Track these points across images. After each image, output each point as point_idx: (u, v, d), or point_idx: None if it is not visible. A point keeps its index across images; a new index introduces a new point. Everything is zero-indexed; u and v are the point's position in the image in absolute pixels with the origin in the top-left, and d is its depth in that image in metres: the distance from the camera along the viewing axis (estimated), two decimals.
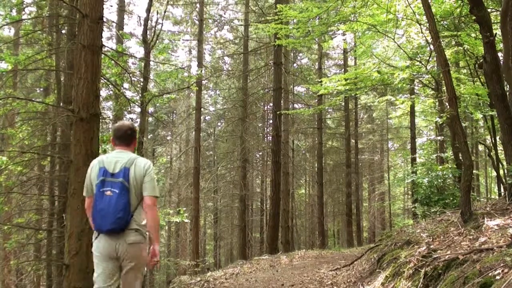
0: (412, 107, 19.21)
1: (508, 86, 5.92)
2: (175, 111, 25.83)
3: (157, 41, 9.58)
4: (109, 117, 15.50)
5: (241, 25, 19.87)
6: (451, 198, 8.21)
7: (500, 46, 6.84)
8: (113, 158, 3.00)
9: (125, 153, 3.06)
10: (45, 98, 10.97)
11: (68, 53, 7.87)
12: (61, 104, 8.78)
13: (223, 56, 22.31)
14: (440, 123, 8.61)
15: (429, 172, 9.23)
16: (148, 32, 8.78)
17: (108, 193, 2.85)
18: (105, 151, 8.50)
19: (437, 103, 11.55)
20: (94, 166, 3.03)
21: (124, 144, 3.11)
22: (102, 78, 6.43)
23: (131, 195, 2.91)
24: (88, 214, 3.09)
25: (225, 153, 21.67)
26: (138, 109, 13.73)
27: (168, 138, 26.58)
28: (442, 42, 6.60)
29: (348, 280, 5.63)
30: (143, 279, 3.13)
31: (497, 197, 12.63)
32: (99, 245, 2.94)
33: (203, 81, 18.83)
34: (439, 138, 13.27)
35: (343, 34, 11.12)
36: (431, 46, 6.71)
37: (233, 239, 25.66)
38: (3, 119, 11.25)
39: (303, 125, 22.82)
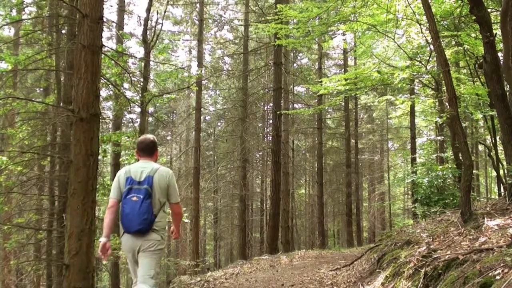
0: (412, 107, 19.21)
1: (508, 86, 5.92)
2: (175, 111, 25.83)
3: (157, 41, 9.58)
4: (109, 117, 15.51)
5: (241, 25, 19.87)
6: (451, 198, 8.21)
7: (500, 46, 6.85)
8: (139, 168, 3.39)
9: (149, 163, 3.44)
10: (45, 98, 10.97)
11: (68, 53, 7.87)
12: (61, 104, 8.78)
13: (223, 56, 22.31)
14: (440, 123, 8.61)
15: (429, 172, 9.23)
16: (148, 32, 8.79)
17: (134, 198, 3.24)
18: (105, 151, 8.51)
19: (437, 103, 11.55)
20: (121, 176, 3.40)
21: (147, 156, 3.51)
22: (102, 78, 6.43)
23: (154, 200, 3.31)
24: (107, 212, 3.38)
25: (225, 153, 21.68)
26: (138, 109, 13.73)
27: (168, 138, 26.59)
28: (442, 42, 6.60)
29: (348, 280, 5.63)
30: (158, 271, 3.48)
31: (497, 197, 12.63)
32: (126, 243, 3.36)
33: (203, 81, 18.83)
34: (439, 138, 13.27)
35: (343, 34, 11.12)
36: (431, 46, 6.72)
37: (233, 239, 25.66)
38: (3, 119, 11.26)
39: (303, 125, 22.83)
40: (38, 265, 9.21)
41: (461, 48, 8.86)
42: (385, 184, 27.87)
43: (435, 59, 7.83)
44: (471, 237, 3.93)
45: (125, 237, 3.34)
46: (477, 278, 2.79)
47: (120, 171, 3.48)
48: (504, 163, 6.24)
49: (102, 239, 3.32)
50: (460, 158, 7.70)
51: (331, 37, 13.40)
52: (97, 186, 5.95)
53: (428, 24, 5.39)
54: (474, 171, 7.94)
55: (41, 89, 13.60)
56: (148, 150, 3.50)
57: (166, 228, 3.55)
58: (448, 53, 8.68)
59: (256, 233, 25.66)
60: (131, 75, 8.47)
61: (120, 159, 12.40)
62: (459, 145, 5.20)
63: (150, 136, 3.63)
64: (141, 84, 8.91)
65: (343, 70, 21.96)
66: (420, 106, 19.80)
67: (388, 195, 27.75)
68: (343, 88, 9.32)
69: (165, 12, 14.66)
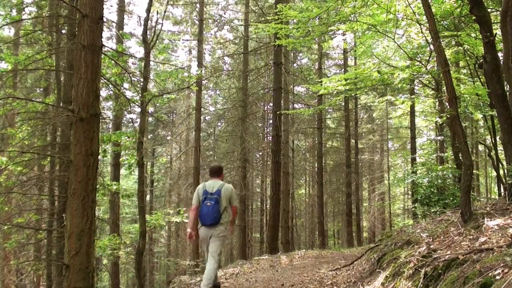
0: (412, 107, 19.21)
1: (508, 86, 5.92)
2: (175, 111, 25.81)
3: (157, 41, 9.57)
4: (109, 117, 15.51)
5: (241, 25, 19.86)
6: (451, 198, 8.21)
7: (500, 46, 6.85)
8: (211, 184, 5.17)
9: (217, 181, 5.22)
10: (45, 98, 10.96)
11: (68, 53, 7.85)
12: (61, 104, 8.77)
13: (223, 56, 22.29)
14: (440, 123, 8.61)
15: (429, 172, 9.23)
16: (148, 32, 8.77)
17: (208, 204, 4.98)
18: (105, 151, 8.51)
19: (437, 103, 11.55)
20: (200, 188, 5.19)
21: (216, 176, 5.32)
22: (102, 78, 6.41)
23: (221, 205, 5.03)
24: (192, 215, 5.12)
25: (225, 153, 21.67)
26: (138, 109, 13.73)
27: (168, 138, 26.57)
28: (442, 42, 6.60)
29: (348, 280, 5.63)
30: (223, 250, 5.63)
31: (497, 197, 12.63)
32: (202, 232, 5.08)
33: (203, 81, 18.82)
34: (439, 138, 13.27)
35: (343, 34, 11.11)
36: (431, 46, 6.72)
37: (233, 239, 25.62)
38: (3, 119, 11.25)
39: (303, 125, 22.82)
40: (38, 265, 9.20)
41: (461, 48, 8.86)
42: (385, 184, 27.87)
43: (435, 59, 7.83)
44: (471, 237, 3.93)
45: (202, 228, 5.07)
46: (477, 278, 2.79)
47: (199, 185, 5.27)
48: (504, 163, 6.24)
49: (188, 230, 5.14)
50: (460, 158, 7.70)
51: (331, 37, 13.39)
52: (97, 186, 5.95)
53: (428, 24, 5.38)
54: (474, 171, 7.94)
55: (41, 89, 13.59)
56: (216, 173, 5.34)
57: (228, 222, 5.19)
58: (448, 53, 8.69)
59: (256, 233, 25.65)
60: (131, 75, 8.45)
61: (120, 159, 12.40)
62: (459, 145, 5.20)
63: (217, 164, 5.69)
64: (141, 84, 8.90)
65: (343, 70, 21.96)
66: (420, 106, 19.81)
67: (388, 195, 27.74)
68: (343, 88, 9.31)
69: (165, 12, 14.64)
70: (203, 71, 17.02)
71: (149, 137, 24.27)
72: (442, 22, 8.84)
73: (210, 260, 5.08)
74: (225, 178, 23.09)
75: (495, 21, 7.76)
